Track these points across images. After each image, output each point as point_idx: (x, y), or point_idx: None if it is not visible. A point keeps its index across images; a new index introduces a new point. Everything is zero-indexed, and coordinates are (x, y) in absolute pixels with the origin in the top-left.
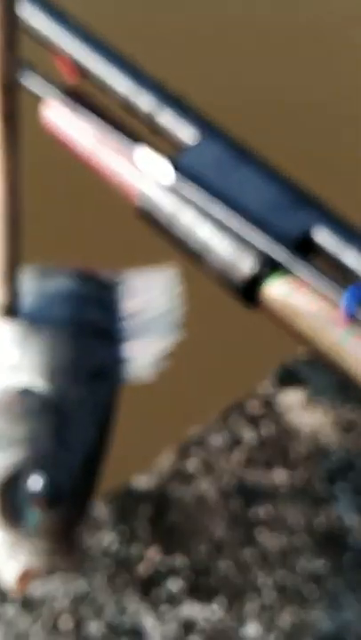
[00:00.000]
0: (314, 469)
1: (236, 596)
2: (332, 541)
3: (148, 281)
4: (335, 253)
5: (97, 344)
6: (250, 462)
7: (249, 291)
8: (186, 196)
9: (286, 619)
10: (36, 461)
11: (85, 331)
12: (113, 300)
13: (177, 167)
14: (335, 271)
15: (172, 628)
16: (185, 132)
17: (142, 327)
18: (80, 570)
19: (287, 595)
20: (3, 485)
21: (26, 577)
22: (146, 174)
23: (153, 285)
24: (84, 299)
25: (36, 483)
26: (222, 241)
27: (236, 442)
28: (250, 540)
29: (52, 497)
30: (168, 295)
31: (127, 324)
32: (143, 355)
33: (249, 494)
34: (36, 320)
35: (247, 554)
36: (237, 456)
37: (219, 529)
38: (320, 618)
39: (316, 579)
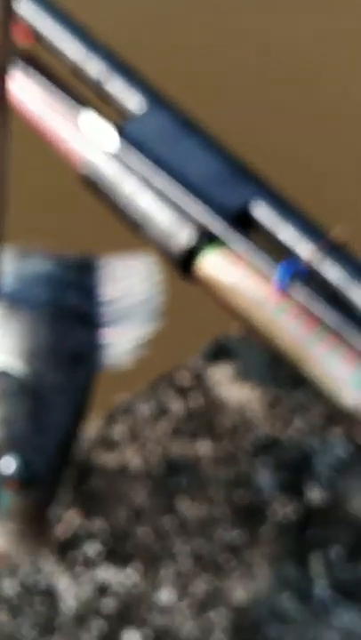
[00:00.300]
0: (238, 443)
1: (151, 562)
2: (250, 513)
3: (129, 267)
4: (272, 228)
5: (76, 328)
6: (175, 432)
7: (186, 262)
8: (129, 165)
9: (200, 586)
10: (10, 443)
11: (65, 315)
12: (93, 285)
13: (122, 135)
14: (272, 246)
15: (86, 590)
16: (132, 101)
17: (121, 313)
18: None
19: (203, 563)
20: None
21: None
22: (91, 141)
23: (133, 272)
24: (64, 282)
25: (9, 465)
26: (162, 211)
27: (163, 412)
28: (170, 509)
29: (25, 480)
30: (148, 282)
31: (106, 310)
32: (121, 341)
33: (172, 463)
34: (15, 302)
35: (166, 521)
36: (164, 426)
37: (139, 496)
38: (233, 587)
39: (232, 549)
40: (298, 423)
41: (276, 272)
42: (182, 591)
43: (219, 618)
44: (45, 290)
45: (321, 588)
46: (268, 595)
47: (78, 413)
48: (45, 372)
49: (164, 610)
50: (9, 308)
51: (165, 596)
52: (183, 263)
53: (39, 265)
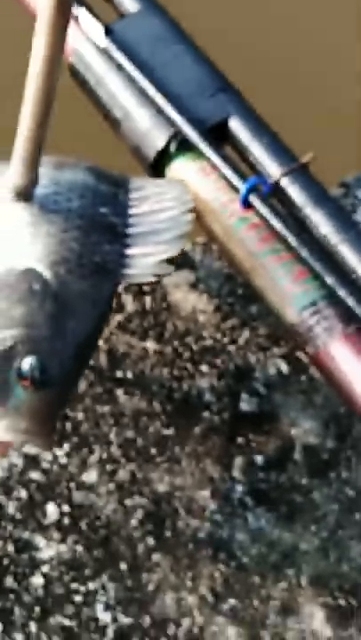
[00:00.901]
0: (186, 347)
1: (83, 445)
2: (186, 413)
3: (161, 188)
4: (247, 145)
5: (104, 240)
6: (126, 329)
7: (159, 166)
8: (115, 61)
9: (125, 474)
10: (29, 344)
11: (94, 225)
12: (125, 201)
13: (111, 32)
14: (244, 162)
15: (16, 462)
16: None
17: (150, 231)
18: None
19: (131, 452)
20: None
21: None
22: (83, 34)
23: (165, 193)
24: (96, 194)
25: (26, 363)
26: (142, 112)
27: (118, 309)
28: (109, 399)
29: (38, 381)
30: (178, 205)
31: (135, 226)
32: (147, 257)
33: (119, 357)
34: (47, 208)
35: (104, 409)
36: (116, 321)
37: (81, 384)
38: (157, 479)
39: (163, 443)
40: (246, 336)
41: (243, 186)
42: (107, 476)
43: (138, 504)
44: (78, 199)
45: (240, 492)
46: (187, 489)
47: (98, 323)
48: (70, 280)
49: (87, 490)
50: (41, 212)
51: (90, 477)
52: (155, 166)
53: (75, 174)
